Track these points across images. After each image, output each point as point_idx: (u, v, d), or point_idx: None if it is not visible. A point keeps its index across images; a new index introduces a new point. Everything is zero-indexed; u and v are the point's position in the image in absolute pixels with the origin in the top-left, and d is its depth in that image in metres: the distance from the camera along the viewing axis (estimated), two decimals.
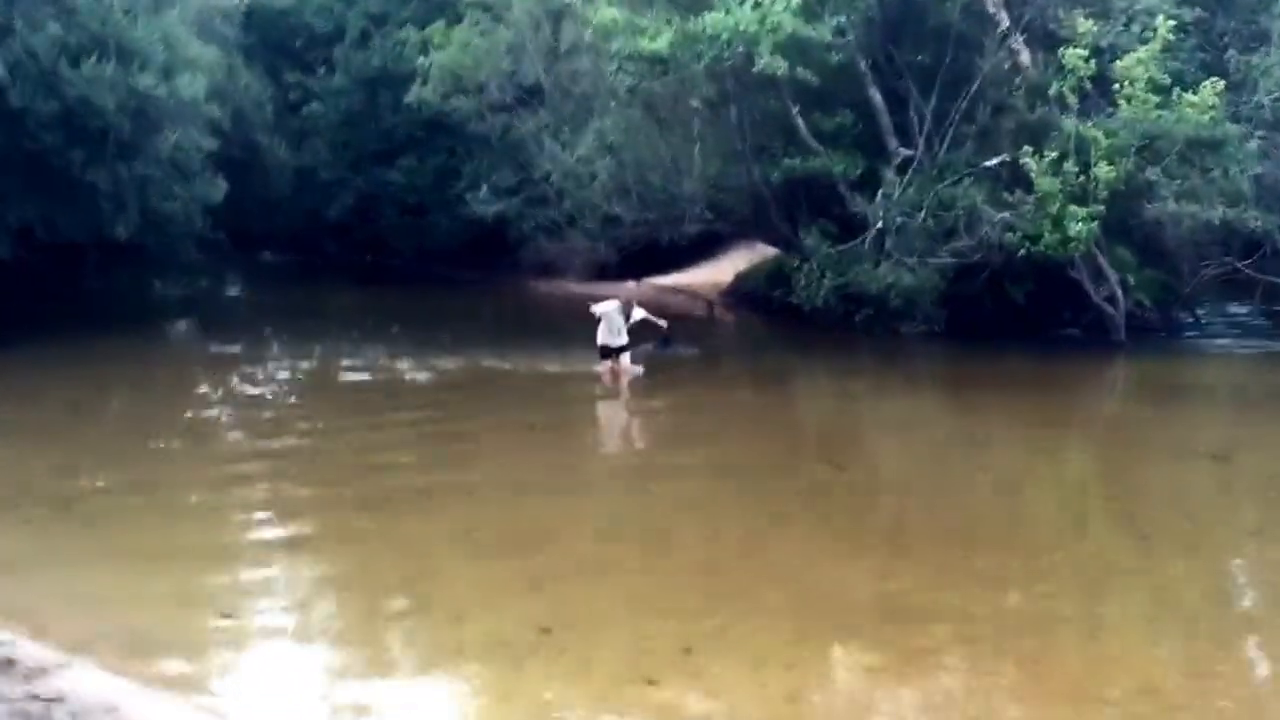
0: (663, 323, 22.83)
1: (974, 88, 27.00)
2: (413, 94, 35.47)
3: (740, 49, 24.94)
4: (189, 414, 18.39)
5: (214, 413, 19.17)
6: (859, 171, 27.49)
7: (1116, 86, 24.09)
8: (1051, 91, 24.67)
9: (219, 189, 28.34)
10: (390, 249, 45.28)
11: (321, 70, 45.08)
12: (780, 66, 24.53)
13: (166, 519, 12.36)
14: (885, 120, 27.78)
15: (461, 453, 15.90)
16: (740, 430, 18.74)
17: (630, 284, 38.14)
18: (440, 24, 41.71)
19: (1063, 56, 24.30)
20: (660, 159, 28.95)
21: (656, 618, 9.80)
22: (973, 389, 22.46)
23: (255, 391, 21.08)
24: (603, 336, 21.76)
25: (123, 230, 26.70)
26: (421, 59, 35.78)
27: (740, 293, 35.57)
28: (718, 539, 12.42)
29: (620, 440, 19.25)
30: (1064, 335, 26.48)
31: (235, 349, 25.85)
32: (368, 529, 11.76)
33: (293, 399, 20.89)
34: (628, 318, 21.94)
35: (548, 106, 32.67)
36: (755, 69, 24.78)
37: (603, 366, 21.84)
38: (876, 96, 27.70)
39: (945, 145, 27.34)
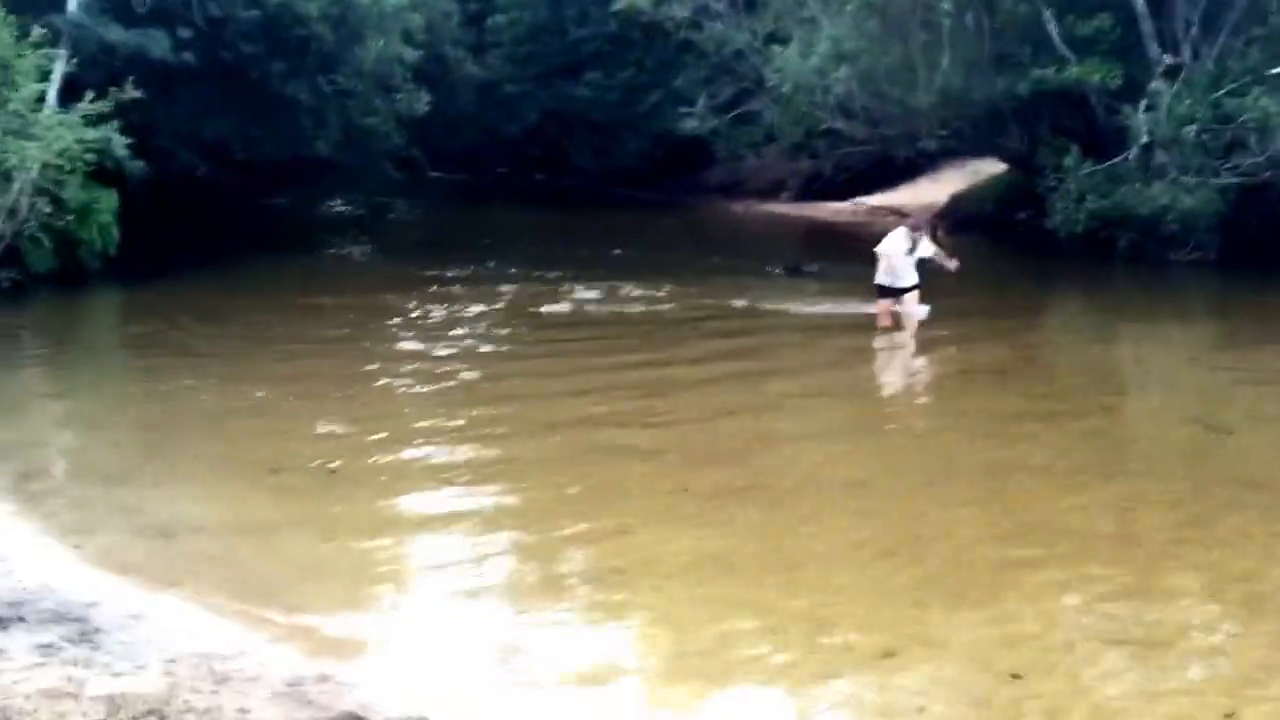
0: (952, 264, 17.73)
1: None
2: (621, 1, 32.99)
3: None
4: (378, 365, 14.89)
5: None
6: (1120, 82, 24.74)
7: None
8: None
9: (422, 102, 26.55)
10: (574, 168, 43.48)
11: None
12: None
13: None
14: (1148, 25, 24.98)
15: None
16: (1090, 386, 14.25)
17: (849, 203, 36.12)
18: None
19: None
20: (900, 69, 26.34)
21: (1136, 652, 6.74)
22: None
23: (462, 330, 17.48)
24: (881, 275, 17.19)
25: (324, 147, 25.23)
26: None
27: (961, 215, 33.02)
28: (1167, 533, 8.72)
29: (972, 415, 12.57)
30: None
31: (440, 274, 22.64)
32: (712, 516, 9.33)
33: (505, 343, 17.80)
34: (912, 249, 17.24)
35: (770, 12, 30.01)
36: None
37: (880, 306, 17.27)
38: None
39: (1216, 51, 24.49)
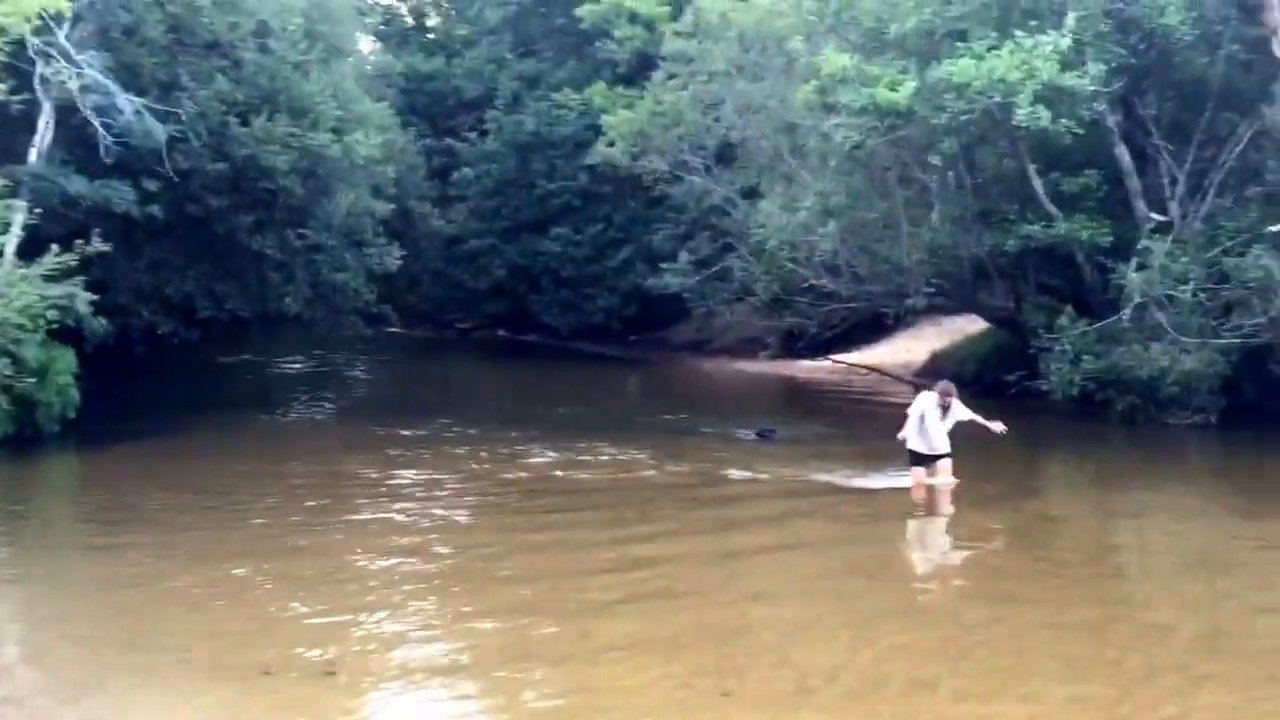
0: (997, 426, 16.46)
1: (1240, 145, 23.81)
2: (596, 155, 32.65)
3: (994, 99, 21.87)
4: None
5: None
6: (1110, 240, 24.23)
7: None
8: None
9: (394, 257, 25.70)
10: (541, 324, 42.81)
11: (472, 135, 42.82)
12: (1043, 118, 21.45)
13: None
14: (1134, 182, 24.56)
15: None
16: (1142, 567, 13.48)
17: (824, 361, 35.37)
18: (600, 85, 39.52)
19: None
20: (886, 225, 25.76)
21: None
22: None
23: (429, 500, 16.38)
24: (914, 440, 16.32)
25: (292, 303, 24.32)
26: (605, 116, 32.97)
27: (944, 374, 32.33)
28: None
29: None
30: None
31: (404, 435, 21.78)
32: None
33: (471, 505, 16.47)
34: (945, 412, 16.31)
35: (749, 167, 29.52)
36: (1017, 121, 21.65)
37: (914, 475, 16.31)
38: (1124, 155, 24.50)
39: (1204, 209, 24.06)
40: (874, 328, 36.03)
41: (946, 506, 15.94)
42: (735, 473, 18.25)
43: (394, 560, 12.54)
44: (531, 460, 18.97)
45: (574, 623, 10.19)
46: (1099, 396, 23.48)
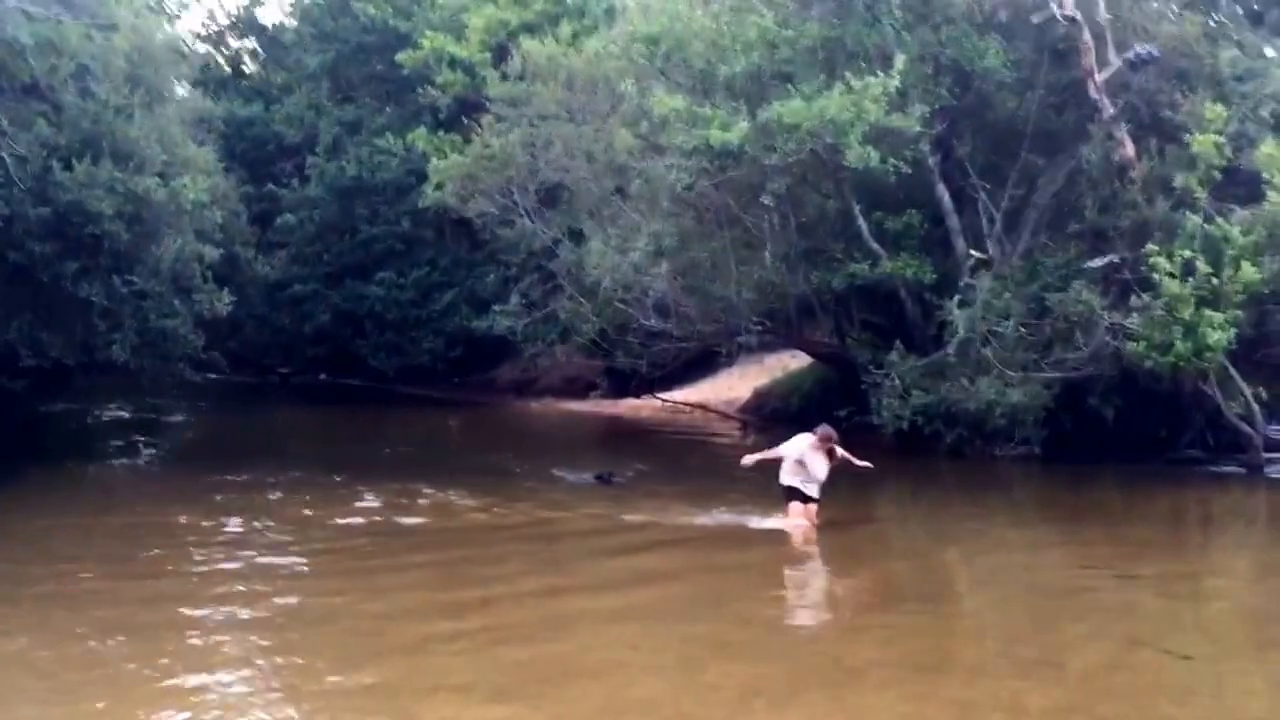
0: (863, 464, 16.88)
1: (1056, 185, 24.82)
2: (428, 198, 32.51)
3: (825, 139, 22.39)
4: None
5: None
6: (933, 277, 24.96)
7: (1265, 177, 21.47)
8: (1177, 184, 22.09)
9: (224, 302, 25.14)
10: (366, 368, 42.35)
11: (293, 181, 42.34)
12: (872, 158, 22.02)
13: None
14: (954, 221, 25.41)
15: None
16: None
17: (648, 400, 35.58)
18: (421, 130, 39.49)
19: (1192, 144, 21.79)
20: (716, 265, 26.10)
21: None
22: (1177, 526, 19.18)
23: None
24: (790, 478, 16.40)
25: (119, 351, 23.54)
26: (434, 161, 32.82)
27: (767, 410, 32.91)
28: None
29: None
30: (1182, 458, 23.64)
31: (228, 481, 21.15)
32: None
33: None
34: (830, 455, 16.49)
35: (575, 210, 29.61)
36: (848, 162, 22.17)
37: (793, 510, 16.35)
38: (945, 195, 25.34)
39: (1020, 246, 24.93)
40: (699, 365, 36.53)
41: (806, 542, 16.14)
42: (564, 514, 18.33)
43: (242, 617, 12.11)
44: (358, 504, 18.80)
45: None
46: (928, 430, 24.07)
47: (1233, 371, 22.27)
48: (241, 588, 13.23)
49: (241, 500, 19.22)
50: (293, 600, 12.89)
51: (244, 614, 12.13)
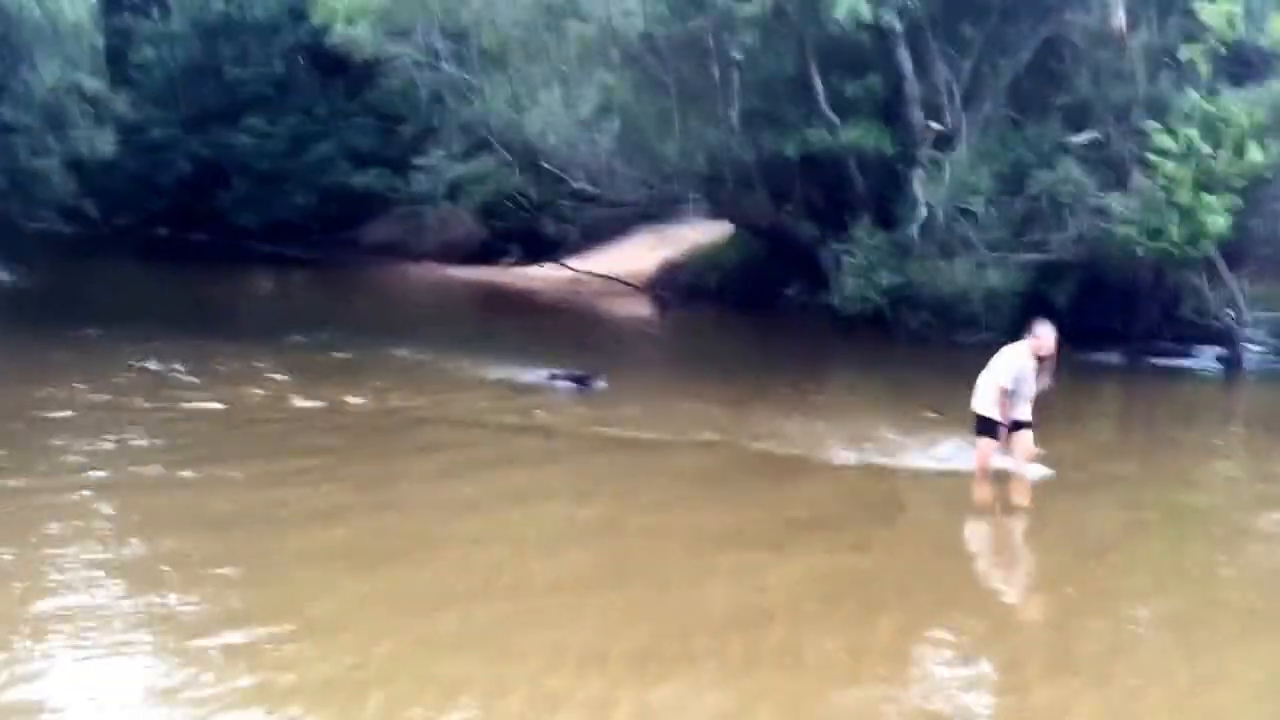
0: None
1: (1028, 54, 22.96)
2: (338, 33, 28.50)
3: None
4: None
5: None
6: (896, 148, 23.03)
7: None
8: (1182, 56, 20.32)
9: (106, 142, 22.15)
10: (230, 224, 39.10)
11: (153, 10, 38.60)
12: (863, 11, 19.95)
13: None
14: (913, 87, 23.41)
15: None
16: None
17: (545, 268, 33.19)
18: None
19: (1200, 11, 19.97)
20: (666, 125, 23.68)
21: None
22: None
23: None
24: (985, 403, 11.37)
25: None
26: None
27: (682, 285, 30.72)
28: None
29: None
30: (1149, 350, 22.14)
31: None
32: None
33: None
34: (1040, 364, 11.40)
35: (506, 60, 26.51)
36: (837, 13, 20.04)
37: (982, 448, 11.39)
38: (906, 60, 23.30)
39: (981, 117, 23.10)
40: (595, 235, 34.20)
41: (1022, 489, 11.45)
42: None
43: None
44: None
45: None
46: (890, 314, 22.29)
47: (1220, 263, 20.73)
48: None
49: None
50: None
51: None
